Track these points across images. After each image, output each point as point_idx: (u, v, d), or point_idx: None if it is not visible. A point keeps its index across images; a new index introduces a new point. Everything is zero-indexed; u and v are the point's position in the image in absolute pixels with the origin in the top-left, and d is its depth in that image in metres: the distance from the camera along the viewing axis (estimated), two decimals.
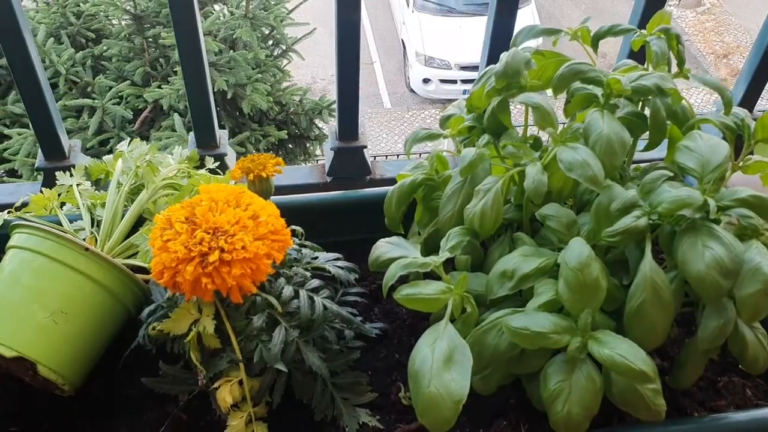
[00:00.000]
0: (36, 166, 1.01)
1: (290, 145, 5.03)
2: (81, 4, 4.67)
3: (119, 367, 0.75)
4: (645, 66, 0.76)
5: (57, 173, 0.86)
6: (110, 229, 0.78)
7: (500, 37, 0.99)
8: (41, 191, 0.83)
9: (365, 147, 1.06)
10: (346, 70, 0.97)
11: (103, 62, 4.82)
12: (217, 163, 0.95)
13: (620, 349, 0.58)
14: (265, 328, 0.69)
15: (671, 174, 0.65)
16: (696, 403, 0.74)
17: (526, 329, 0.60)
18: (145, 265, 0.76)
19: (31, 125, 0.96)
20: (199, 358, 0.68)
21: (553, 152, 0.66)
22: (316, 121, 5.32)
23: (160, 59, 5.64)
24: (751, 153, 0.74)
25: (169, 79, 5.30)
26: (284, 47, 5.33)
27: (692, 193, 0.61)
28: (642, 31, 0.76)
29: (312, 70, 8.32)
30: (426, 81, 7.60)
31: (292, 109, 5.42)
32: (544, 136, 0.74)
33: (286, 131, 4.79)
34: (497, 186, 0.67)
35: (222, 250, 0.63)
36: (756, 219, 0.62)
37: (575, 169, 0.63)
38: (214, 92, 4.67)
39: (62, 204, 0.86)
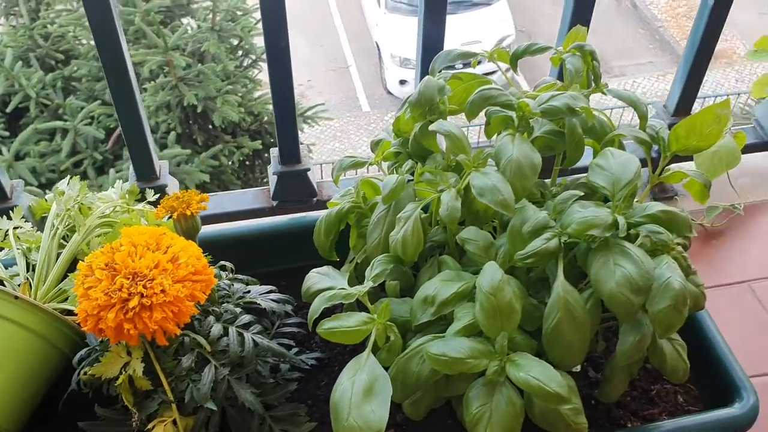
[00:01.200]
0: None
1: (266, 155, 5.01)
2: (48, 26, 4.65)
3: (58, 412, 0.76)
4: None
5: None
6: (44, 274, 0.78)
7: (431, 49, 1.00)
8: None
9: (308, 170, 1.06)
10: (280, 93, 0.97)
11: (73, 83, 4.80)
12: (157, 195, 0.95)
13: (535, 372, 0.59)
14: (194, 368, 0.69)
15: (582, 194, 0.66)
16: (629, 413, 0.75)
17: (445, 356, 0.61)
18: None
19: None
20: (131, 401, 0.68)
21: (466, 179, 0.67)
22: None
23: None
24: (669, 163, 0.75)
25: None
26: (254, 57, 5.32)
27: (600, 213, 0.62)
28: (559, 48, 0.77)
29: None
30: (403, 82, 7.60)
31: (265, 119, 5.41)
32: None
33: (260, 141, 4.78)
34: (416, 213, 0.67)
35: (142, 295, 0.64)
36: (665, 234, 0.63)
37: (486, 194, 0.64)
38: (183, 107, 4.62)
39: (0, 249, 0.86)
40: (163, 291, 0.64)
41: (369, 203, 0.77)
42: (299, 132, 4.18)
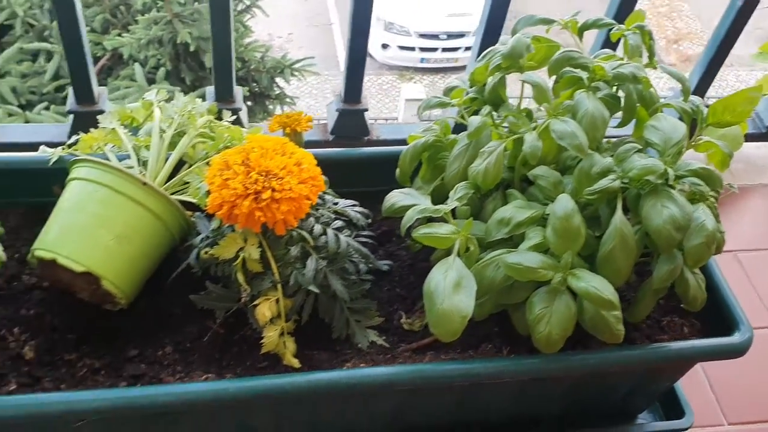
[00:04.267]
0: (67, 109, 1.10)
1: (249, 103, 5.04)
2: None
3: (166, 287, 0.87)
4: (620, 56, 0.91)
5: (99, 117, 0.96)
6: (157, 169, 0.89)
7: (496, 18, 1.12)
8: (90, 131, 0.93)
9: (366, 110, 1.18)
10: (356, 40, 1.09)
11: None
12: (234, 117, 1.06)
13: (594, 283, 0.74)
14: (299, 258, 0.82)
15: (639, 147, 0.80)
16: (644, 336, 0.90)
17: (520, 264, 0.75)
18: (193, 201, 0.87)
19: (69, 70, 1.05)
20: (244, 279, 0.80)
21: (546, 123, 0.80)
22: (278, 80, 5.35)
23: (121, 6, 5.55)
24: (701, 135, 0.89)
25: (129, 27, 5.23)
26: (248, 2, 5.32)
27: (656, 163, 0.76)
28: (620, 25, 0.91)
29: (269, 28, 8.25)
30: (385, 46, 7.66)
31: (253, 66, 5.43)
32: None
33: (247, 88, 4.80)
34: (499, 148, 0.81)
35: (273, 190, 0.76)
36: (704, 187, 0.78)
37: (565, 138, 0.77)
38: (175, 44, 4.63)
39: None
40: (290, 188, 0.76)
41: (447, 139, 0.90)
42: (287, 83, 4.19)
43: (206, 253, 0.81)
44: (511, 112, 0.84)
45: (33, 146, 1.00)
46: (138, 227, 0.82)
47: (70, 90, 1.09)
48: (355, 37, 1.08)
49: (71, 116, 1.10)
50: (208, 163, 0.88)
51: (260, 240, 0.81)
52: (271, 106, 5.11)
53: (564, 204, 0.76)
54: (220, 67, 1.10)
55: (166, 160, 0.90)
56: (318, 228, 0.83)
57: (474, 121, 0.84)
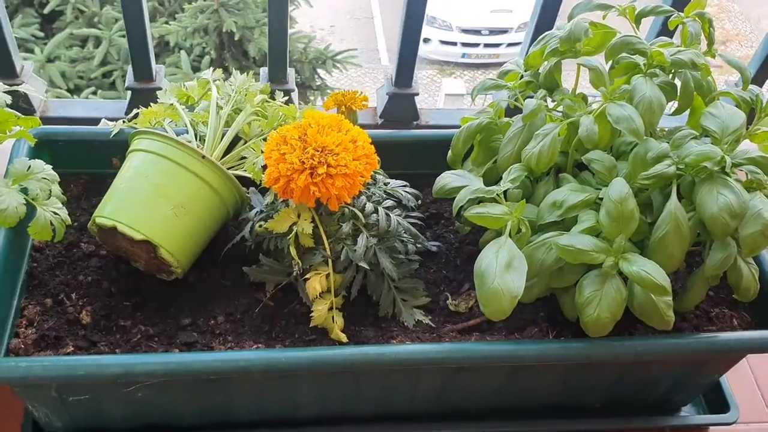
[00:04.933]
0: (126, 85, 1.13)
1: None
2: None
3: (219, 260, 0.89)
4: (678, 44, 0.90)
5: (159, 93, 0.98)
6: (213, 144, 0.91)
7: (551, 3, 1.12)
8: (150, 106, 0.95)
9: (417, 94, 1.19)
10: (411, 26, 1.09)
11: None
12: (286, 98, 1.07)
13: (646, 267, 0.74)
14: (350, 234, 0.83)
15: (696, 134, 0.80)
16: (692, 327, 0.89)
17: (572, 246, 0.75)
18: (248, 176, 0.89)
19: (129, 49, 1.08)
20: (296, 253, 0.82)
21: (602, 108, 0.80)
22: (319, 71, 5.38)
23: None
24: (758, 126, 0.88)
25: (176, 15, 5.31)
26: None
27: (714, 149, 0.75)
28: (680, 13, 0.90)
29: (311, 19, 8.30)
30: (426, 41, 7.64)
31: (295, 57, 5.47)
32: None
33: None
34: (555, 131, 0.81)
35: (328, 165, 0.77)
36: (761, 175, 0.77)
37: (622, 122, 0.77)
38: (221, 32, 4.69)
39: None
40: (345, 165, 0.77)
41: (501, 122, 0.90)
42: (328, 75, 4.23)
43: (260, 226, 0.83)
44: (567, 96, 0.83)
45: (93, 121, 1.03)
46: (195, 199, 0.84)
47: (129, 68, 1.12)
48: (409, 20, 1.09)
49: (129, 92, 1.13)
50: (264, 140, 0.90)
51: (313, 215, 0.83)
52: (312, 97, 5.15)
53: (619, 187, 0.75)
54: (276, 47, 1.11)
55: (223, 136, 0.92)
56: (369, 206, 0.84)
57: (530, 103, 0.84)
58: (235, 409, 0.87)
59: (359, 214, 0.83)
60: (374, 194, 0.87)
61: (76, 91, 4.24)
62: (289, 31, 4.68)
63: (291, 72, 1.17)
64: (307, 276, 0.82)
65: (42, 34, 4.50)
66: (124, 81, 1.12)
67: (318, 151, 0.77)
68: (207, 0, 4.98)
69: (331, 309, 0.83)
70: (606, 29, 0.90)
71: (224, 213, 0.88)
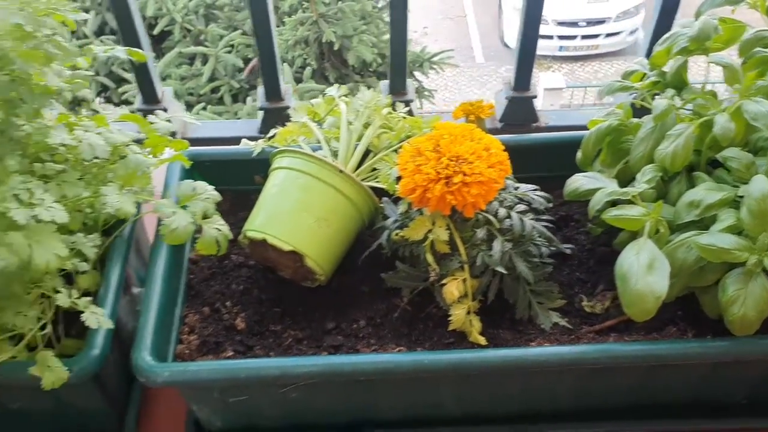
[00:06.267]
0: (258, 105, 1.21)
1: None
2: None
3: (356, 267, 0.94)
4: None
5: (290, 111, 1.05)
6: (346, 157, 0.96)
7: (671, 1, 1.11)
8: (284, 125, 1.02)
9: (535, 97, 1.20)
10: (528, 28, 1.11)
11: (214, 11, 5.03)
12: (407, 109, 1.11)
13: None
14: (485, 240, 0.86)
15: None
16: None
17: (713, 245, 0.75)
18: (380, 186, 0.94)
19: (261, 72, 1.15)
20: (433, 260, 0.85)
21: (738, 104, 0.79)
22: (416, 73, 5.43)
23: None
24: None
25: (276, 29, 5.49)
26: None
27: None
28: None
29: None
30: None
31: None
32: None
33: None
34: (688, 131, 0.81)
35: (464, 174, 0.80)
36: None
37: (760, 119, 0.76)
38: (320, 43, 4.83)
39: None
40: (480, 173, 0.80)
41: (630, 123, 0.91)
42: (424, 77, 4.28)
43: (397, 234, 0.87)
44: (699, 94, 0.83)
45: (227, 141, 1.10)
46: (335, 211, 0.89)
47: (260, 88, 1.20)
48: (527, 25, 1.11)
49: (261, 112, 1.20)
50: (395, 151, 0.94)
51: (447, 222, 0.86)
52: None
53: (761, 185, 0.75)
54: (396, 60, 1.16)
55: (354, 149, 0.97)
56: (502, 211, 0.87)
57: (660, 104, 0.84)
58: (379, 409, 0.92)
59: (493, 219, 0.86)
60: (506, 199, 0.89)
61: (187, 107, 4.47)
62: (386, 36, 4.75)
63: (410, 83, 1.21)
64: (443, 281, 0.86)
65: (153, 54, 4.76)
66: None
67: (452, 160, 0.81)
68: (306, 12, 5.13)
69: (468, 313, 0.86)
70: (735, 24, 0.89)
71: (360, 223, 0.93)
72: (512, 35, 7.56)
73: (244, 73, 5.46)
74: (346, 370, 0.80)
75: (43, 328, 0.81)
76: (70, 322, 0.86)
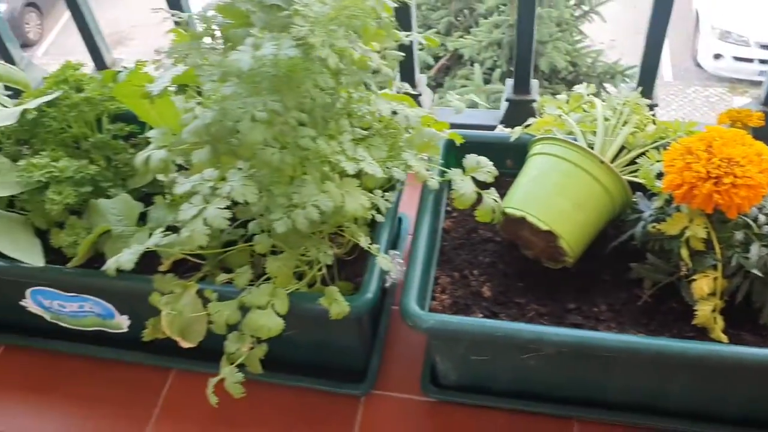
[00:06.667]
0: (504, 97, 1.29)
1: None
2: None
3: (601, 255, 1.00)
4: None
5: (541, 104, 1.12)
6: (602, 150, 1.02)
7: None
8: (540, 116, 1.09)
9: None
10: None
11: None
12: (652, 113, 1.15)
13: None
14: (742, 242, 0.89)
15: None
16: None
17: None
18: (637, 180, 0.98)
19: (514, 66, 1.24)
20: (687, 255, 0.89)
21: None
22: (606, 85, 5.33)
23: (464, 10, 5.95)
24: None
25: (470, 30, 5.61)
26: (586, 8, 5.36)
27: None
28: None
29: (592, 32, 8.17)
30: (717, 56, 7.15)
31: (583, 70, 5.46)
32: None
33: None
34: None
35: (734, 176, 0.83)
36: None
37: None
38: (513, 47, 4.89)
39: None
40: (750, 176, 0.83)
41: None
42: (614, 89, 4.23)
43: (654, 227, 0.92)
44: None
45: (466, 127, 1.19)
46: (590, 198, 0.96)
47: (508, 81, 1.28)
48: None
49: (506, 103, 1.29)
50: (657, 149, 0.99)
51: (705, 221, 0.90)
52: None
53: None
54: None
55: (611, 143, 1.03)
56: (762, 218, 0.89)
57: None
58: (605, 390, 0.97)
59: (752, 223, 0.89)
60: (765, 206, 0.91)
61: None
62: (579, 45, 4.67)
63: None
64: (693, 277, 0.89)
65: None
66: None
67: (724, 162, 0.84)
68: (502, 15, 5.19)
69: (714, 311, 0.89)
70: None
71: (611, 213, 0.99)
72: (706, 55, 7.19)
73: (432, 71, 5.62)
74: (596, 345, 0.86)
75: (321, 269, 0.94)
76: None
